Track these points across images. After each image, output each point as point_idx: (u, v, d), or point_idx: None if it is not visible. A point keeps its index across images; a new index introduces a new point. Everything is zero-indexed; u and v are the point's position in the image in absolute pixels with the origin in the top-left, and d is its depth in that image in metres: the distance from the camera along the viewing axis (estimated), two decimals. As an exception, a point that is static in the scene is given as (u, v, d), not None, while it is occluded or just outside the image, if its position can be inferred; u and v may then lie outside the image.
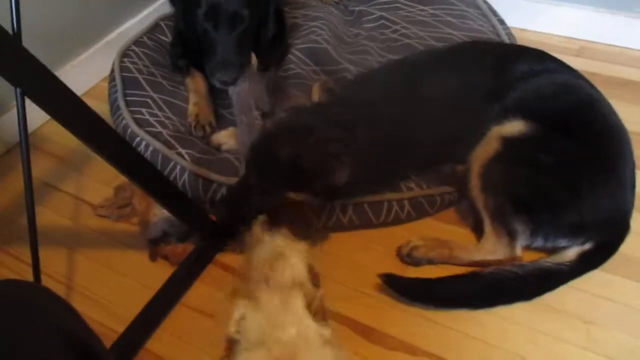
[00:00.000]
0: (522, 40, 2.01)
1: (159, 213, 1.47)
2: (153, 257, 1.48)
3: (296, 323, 0.99)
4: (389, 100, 1.38)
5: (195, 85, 1.76)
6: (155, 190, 1.23)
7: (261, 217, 1.26)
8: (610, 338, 1.24)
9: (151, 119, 1.66)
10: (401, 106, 1.37)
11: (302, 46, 1.94)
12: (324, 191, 1.29)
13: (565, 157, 1.26)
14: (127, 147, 1.18)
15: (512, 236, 1.30)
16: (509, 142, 1.30)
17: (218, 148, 1.60)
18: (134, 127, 1.63)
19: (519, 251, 1.32)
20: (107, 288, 1.41)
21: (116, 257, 1.49)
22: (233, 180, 1.45)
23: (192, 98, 1.74)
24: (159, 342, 1.30)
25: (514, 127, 1.31)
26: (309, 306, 1.05)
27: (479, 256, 1.34)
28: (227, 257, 1.47)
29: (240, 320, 1.00)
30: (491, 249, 1.32)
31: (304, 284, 1.09)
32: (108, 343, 1.23)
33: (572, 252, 1.28)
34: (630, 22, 2.04)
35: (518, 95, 1.35)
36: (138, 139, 1.60)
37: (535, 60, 1.43)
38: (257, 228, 1.23)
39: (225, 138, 1.61)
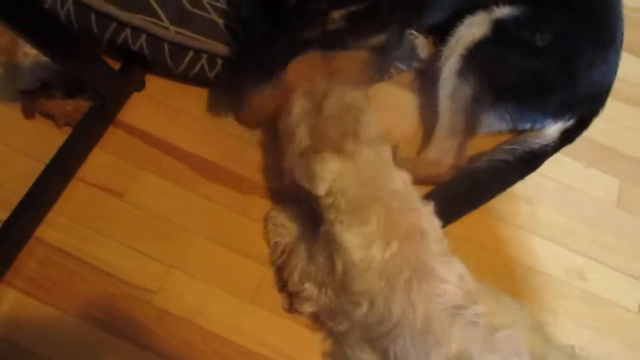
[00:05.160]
0: None
1: (32, 54, 1.09)
2: (28, 114, 1.13)
3: (398, 177, 0.91)
4: None
5: None
6: (18, 21, 0.80)
7: None
8: (552, 220, 1.22)
9: None
10: None
11: None
12: None
13: (562, 33, 1.08)
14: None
15: (467, 133, 1.15)
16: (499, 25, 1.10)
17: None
18: None
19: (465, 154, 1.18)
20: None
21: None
22: (139, 18, 1.07)
23: None
24: (52, 228, 1.05)
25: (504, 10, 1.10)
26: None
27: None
28: (132, 116, 1.17)
29: (334, 179, 0.86)
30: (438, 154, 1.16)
31: (387, 136, 0.96)
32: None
33: (554, 130, 1.18)
34: None
35: None
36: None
37: None
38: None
39: None
